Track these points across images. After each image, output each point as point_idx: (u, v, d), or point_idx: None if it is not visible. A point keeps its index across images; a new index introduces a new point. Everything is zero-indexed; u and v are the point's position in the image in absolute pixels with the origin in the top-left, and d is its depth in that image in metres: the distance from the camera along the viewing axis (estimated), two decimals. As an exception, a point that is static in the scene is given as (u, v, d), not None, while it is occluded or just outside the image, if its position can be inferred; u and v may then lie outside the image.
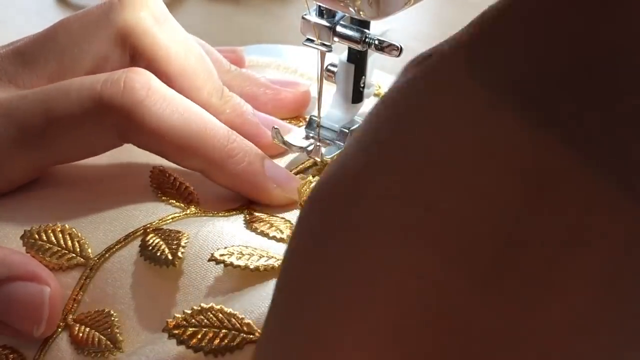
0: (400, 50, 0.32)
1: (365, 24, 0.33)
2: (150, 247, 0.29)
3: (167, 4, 0.36)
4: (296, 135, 0.36)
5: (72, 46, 0.31)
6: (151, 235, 0.29)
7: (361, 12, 0.29)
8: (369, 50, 0.34)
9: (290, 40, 0.47)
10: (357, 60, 0.35)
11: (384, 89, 0.40)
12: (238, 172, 0.31)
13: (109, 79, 0.30)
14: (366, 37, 0.32)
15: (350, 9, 0.30)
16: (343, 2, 0.30)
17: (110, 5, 0.32)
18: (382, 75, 0.39)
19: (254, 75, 0.37)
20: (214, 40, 0.41)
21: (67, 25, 0.32)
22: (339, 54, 0.35)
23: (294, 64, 0.42)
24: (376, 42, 0.32)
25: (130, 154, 0.33)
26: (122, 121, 0.29)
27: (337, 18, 0.33)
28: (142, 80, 0.30)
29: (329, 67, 0.35)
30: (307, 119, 0.36)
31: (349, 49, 0.35)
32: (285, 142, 0.34)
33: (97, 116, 0.29)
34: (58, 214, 0.30)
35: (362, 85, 0.36)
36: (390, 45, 0.32)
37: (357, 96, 0.36)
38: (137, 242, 0.29)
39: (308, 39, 0.33)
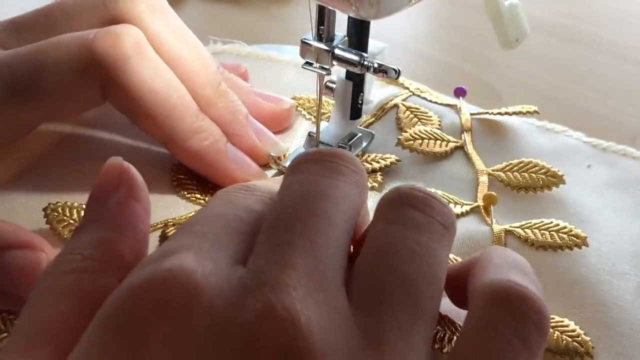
0: (398, 73, 0.32)
1: (363, 46, 0.34)
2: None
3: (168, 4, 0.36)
4: (294, 153, 0.36)
5: (63, 23, 0.31)
6: (172, 228, 0.30)
7: (361, 12, 0.29)
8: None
9: (290, 41, 0.47)
10: (356, 79, 0.35)
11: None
12: (201, 148, 0.32)
13: (101, 31, 0.30)
14: (364, 61, 0.32)
15: (351, 8, 0.30)
16: (343, 1, 0.30)
17: None
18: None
19: (241, 81, 0.37)
20: (214, 41, 0.41)
21: (63, 4, 0.32)
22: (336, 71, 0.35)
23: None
24: (374, 65, 0.32)
25: (151, 141, 0.33)
26: (107, 74, 0.30)
27: (335, 42, 0.33)
28: (134, 38, 0.30)
29: (328, 84, 0.35)
30: (306, 136, 0.36)
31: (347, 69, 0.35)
32: (282, 168, 0.35)
33: (84, 67, 0.30)
34: (77, 192, 0.31)
35: (360, 102, 0.36)
36: (388, 68, 0.32)
37: (355, 113, 0.36)
38: (157, 234, 0.30)
39: (307, 62, 0.33)
